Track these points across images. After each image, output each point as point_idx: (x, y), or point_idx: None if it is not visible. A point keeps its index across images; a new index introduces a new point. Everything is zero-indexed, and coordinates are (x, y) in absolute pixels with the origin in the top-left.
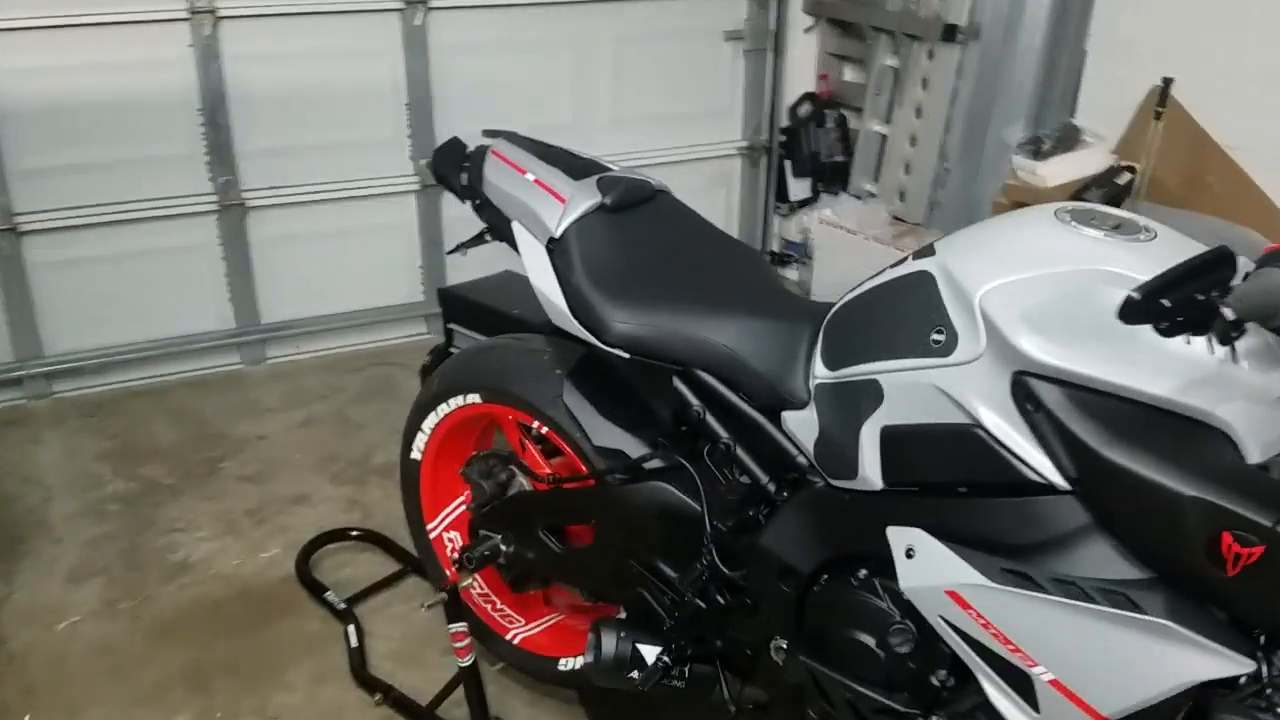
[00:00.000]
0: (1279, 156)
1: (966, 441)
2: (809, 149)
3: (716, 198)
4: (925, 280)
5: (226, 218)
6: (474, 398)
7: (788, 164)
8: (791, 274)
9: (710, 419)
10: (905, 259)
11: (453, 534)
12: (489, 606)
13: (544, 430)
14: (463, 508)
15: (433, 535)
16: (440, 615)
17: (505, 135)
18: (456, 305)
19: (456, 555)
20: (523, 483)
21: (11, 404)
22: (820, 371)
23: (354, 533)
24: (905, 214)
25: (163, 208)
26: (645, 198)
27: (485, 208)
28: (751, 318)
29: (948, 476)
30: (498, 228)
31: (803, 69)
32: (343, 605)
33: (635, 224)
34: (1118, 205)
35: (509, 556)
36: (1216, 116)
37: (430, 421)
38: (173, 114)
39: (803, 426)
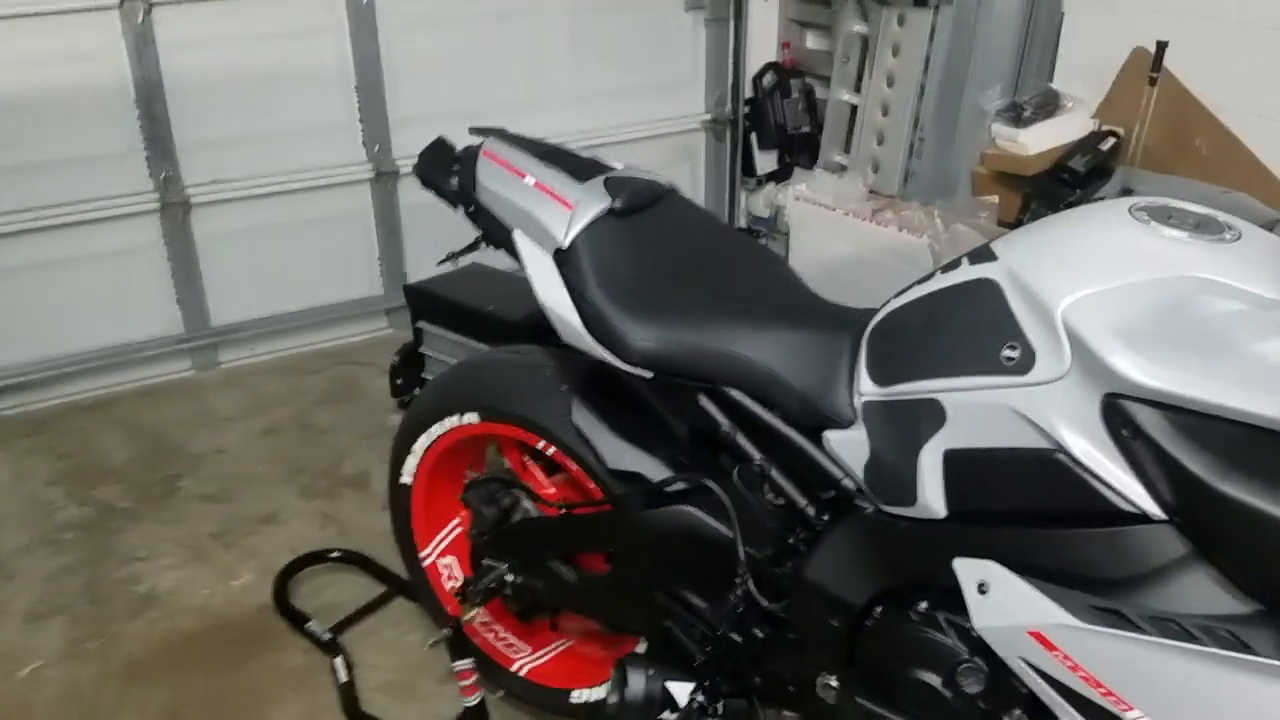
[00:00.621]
0: (1266, 115)
1: (1047, 468)
2: (775, 120)
3: (681, 173)
4: (989, 289)
5: (169, 216)
6: (471, 417)
7: (753, 136)
8: None
9: (742, 438)
10: (957, 262)
11: (448, 560)
12: (491, 635)
13: (550, 451)
14: (458, 531)
15: (426, 563)
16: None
17: (495, 133)
18: (425, 302)
19: (456, 584)
20: (528, 508)
21: None
22: (867, 388)
23: (334, 554)
24: (879, 186)
25: (100, 209)
26: (655, 198)
27: (481, 215)
28: (785, 329)
29: (1024, 505)
30: (495, 236)
31: (765, 38)
32: (328, 636)
33: (647, 228)
34: (1102, 171)
35: (516, 587)
36: (1201, 76)
37: (422, 443)
38: (106, 108)
39: (849, 447)
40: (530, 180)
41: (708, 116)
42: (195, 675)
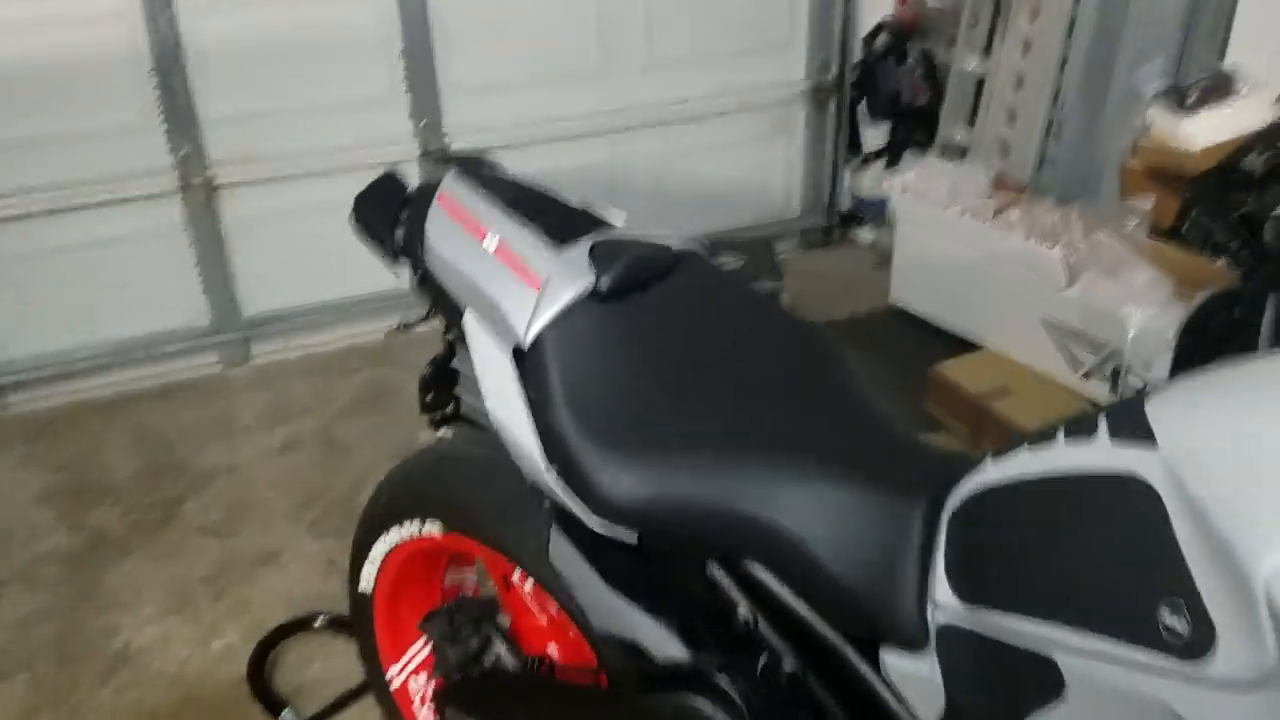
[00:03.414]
0: None
1: None
2: (887, 89)
3: (775, 149)
4: (1143, 498)
5: (191, 197)
6: (433, 527)
7: (861, 107)
8: (866, 235)
9: (766, 629)
10: (1092, 425)
11: (420, 679)
12: None
13: (529, 585)
14: (428, 650)
15: (394, 686)
16: None
17: (466, 166)
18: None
19: (428, 709)
20: (501, 653)
21: None
22: (946, 599)
23: (316, 622)
24: (1008, 172)
25: (114, 190)
26: (661, 270)
27: (428, 282)
28: (831, 484)
29: None
30: (446, 313)
31: None
32: None
33: (648, 314)
34: None
35: None
36: None
37: (380, 549)
38: (120, 77)
39: (916, 682)
40: (490, 243)
41: (808, 84)
42: None
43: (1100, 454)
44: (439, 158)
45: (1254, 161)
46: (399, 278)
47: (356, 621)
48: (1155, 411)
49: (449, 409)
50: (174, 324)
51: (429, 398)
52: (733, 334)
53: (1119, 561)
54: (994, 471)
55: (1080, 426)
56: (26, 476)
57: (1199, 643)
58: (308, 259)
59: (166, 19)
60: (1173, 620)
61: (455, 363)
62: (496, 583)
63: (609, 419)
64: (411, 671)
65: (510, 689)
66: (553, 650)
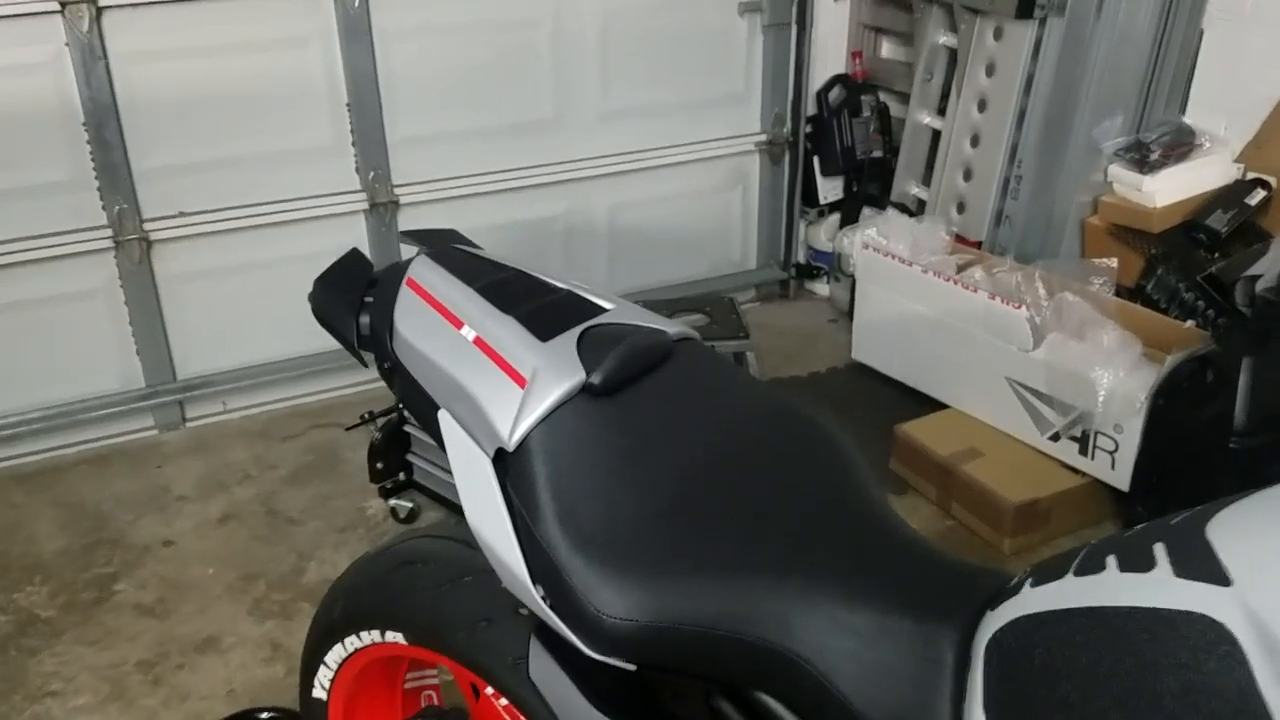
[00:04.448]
0: None
1: None
2: (841, 143)
3: (731, 202)
4: (1213, 639)
5: (125, 254)
6: (395, 637)
7: (816, 160)
8: (822, 288)
9: None
10: (1149, 557)
11: None
12: None
13: (502, 703)
14: None
15: None
16: None
17: (437, 243)
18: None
19: None
20: None
21: None
22: None
23: (263, 716)
24: (964, 229)
25: (43, 248)
26: (657, 361)
27: (398, 376)
28: (851, 607)
29: None
30: (416, 408)
31: (832, 46)
32: None
33: (642, 413)
34: (1250, 233)
35: None
36: None
37: (335, 655)
38: (49, 131)
39: None
40: (469, 333)
41: (763, 137)
42: None
43: (1162, 589)
44: (403, 233)
45: (1218, 220)
46: (365, 366)
47: None
48: (1221, 540)
49: (401, 476)
50: (105, 387)
51: (379, 465)
52: (736, 430)
53: (1190, 710)
54: (1037, 600)
55: (1135, 555)
56: None
57: None
58: (247, 317)
59: (99, 69)
60: None
61: (408, 426)
62: (464, 692)
63: (602, 532)
64: None
65: None
66: None
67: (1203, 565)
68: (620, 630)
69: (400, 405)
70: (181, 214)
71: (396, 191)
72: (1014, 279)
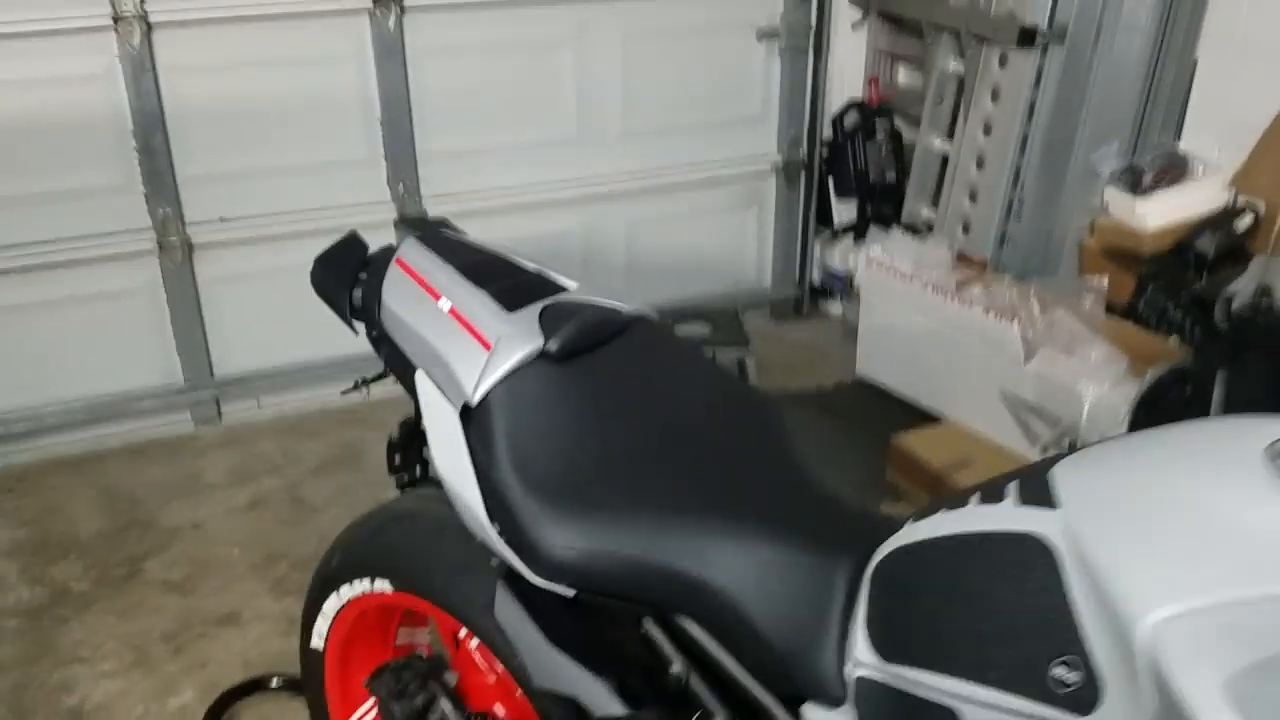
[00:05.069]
0: None
1: None
2: (856, 166)
3: (747, 222)
4: (1041, 558)
5: (168, 257)
6: (383, 584)
7: (830, 182)
8: (834, 308)
9: (699, 684)
10: (1001, 490)
11: None
12: None
13: (475, 643)
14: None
15: None
16: None
17: (426, 230)
18: None
19: None
20: (446, 711)
21: None
22: (865, 657)
23: (274, 682)
24: (969, 248)
25: (92, 248)
26: (611, 334)
27: (383, 342)
28: (760, 543)
29: None
30: (399, 372)
31: (849, 72)
32: None
33: (595, 376)
34: (1236, 255)
35: None
36: None
37: (331, 605)
38: (100, 139)
39: None
40: (445, 304)
41: (779, 159)
42: None
43: (1007, 516)
44: (398, 221)
45: (1206, 243)
46: (356, 334)
47: (307, 678)
48: (1059, 476)
49: (417, 471)
50: (146, 382)
51: (397, 459)
52: (678, 397)
53: (1018, 618)
54: (912, 532)
55: (993, 490)
56: None
57: (1087, 697)
58: (281, 320)
59: (149, 81)
60: (1064, 675)
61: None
62: (446, 641)
63: (551, 477)
64: None
65: None
66: (499, 710)
67: (1040, 496)
68: (560, 558)
69: (386, 369)
70: (222, 219)
71: (425, 203)
72: (1010, 296)
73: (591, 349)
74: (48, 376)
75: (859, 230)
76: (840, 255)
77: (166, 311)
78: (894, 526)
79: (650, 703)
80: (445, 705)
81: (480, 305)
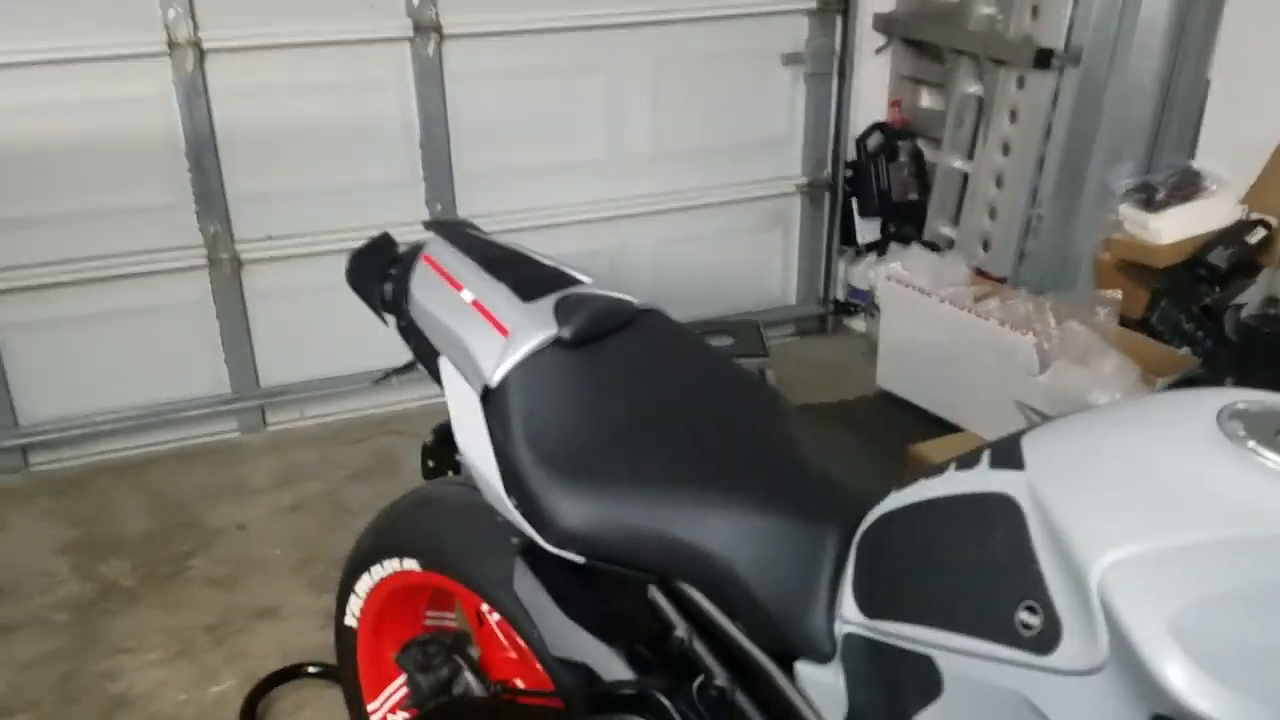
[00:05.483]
0: None
1: None
2: (879, 186)
3: (773, 240)
4: (1008, 513)
5: (218, 272)
6: (412, 564)
7: (854, 202)
8: (858, 324)
9: (699, 647)
10: (976, 457)
11: (399, 717)
12: None
13: (495, 618)
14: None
15: (375, 718)
16: None
17: (451, 230)
18: None
19: None
20: (470, 682)
21: None
22: (851, 614)
23: (311, 669)
24: (989, 266)
25: (145, 263)
26: (621, 323)
27: (411, 332)
28: (754, 513)
29: None
30: (425, 360)
31: (872, 95)
32: None
33: (605, 364)
34: (1248, 269)
35: None
36: None
37: (364, 584)
38: (154, 159)
39: (824, 691)
40: (468, 296)
41: (804, 180)
42: None
43: (980, 478)
44: (426, 222)
45: (1219, 256)
46: (386, 325)
47: (341, 656)
48: (1027, 442)
49: (449, 474)
50: (195, 391)
51: (431, 463)
52: (682, 379)
53: (987, 569)
54: (895, 500)
55: (968, 458)
56: (46, 530)
57: (1047, 638)
58: (324, 333)
59: (201, 104)
60: (1028, 618)
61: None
62: (469, 618)
63: (562, 453)
64: (390, 708)
65: (473, 714)
66: (519, 682)
67: (1010, 459)
68: (569, 527)
69: (413, 359)
70: (269, 237)
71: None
72: (1025, 309)
73: (602, 337)
74: (101, 385)
75: (882, 249)
76: (864, 273)
77: (216, 324)
78: (879, 496)
79: (656, 668)
80: (469, 677)
81: (500, 296)
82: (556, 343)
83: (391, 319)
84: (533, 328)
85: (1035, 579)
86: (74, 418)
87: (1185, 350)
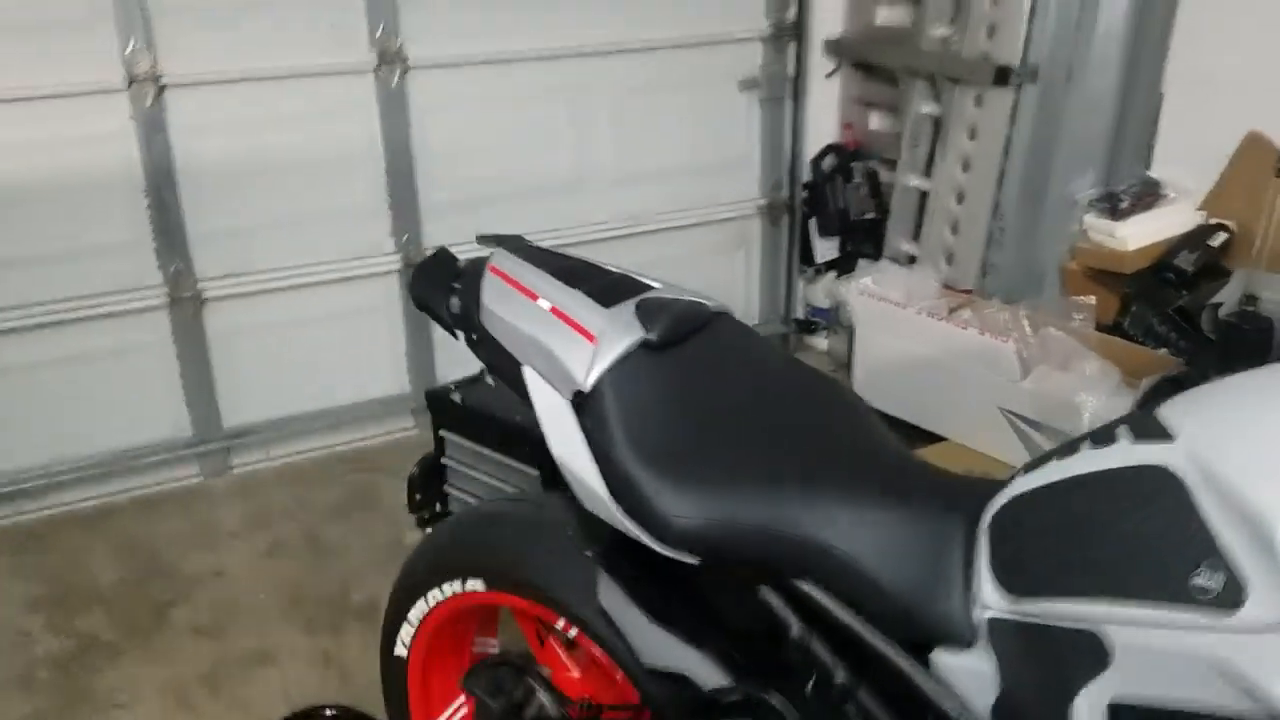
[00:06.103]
0: None
1: None
2: (835, 206)
3: (735, 260)
4: (1167, 485)
5: (179, 311)
6: (476, 584)
7: (812, 222)
8: (820, 342)
9: (818, 646)
10: (1111, 435)
11: None
12: None
13: (573, 633)
14: (463, 713)
15: None
16: None
17: (508, 242)
18: (448, 409)
19: None
20: (545, 703)
21: None
22: (993, 599)
23: (329, 711)
24: (954, 279)
25: (104, 304)
26: (699, 325)
27: (484, 344)
28: (874, 505)
29: None
30: (501, 371)
31: (825, 118)
32: None
33: (692, 364)
34: (1213, 271)
35: None
36: None
37: (418, 611)
38: (112, 197)
39: (969, 677)
40: (545, 304)
41: (763, 201)
42: None
43: (1123, 453)
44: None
45: (1185, 260)
46: (456, 339)
47: (388, 688)
48: (1167, 415)
49: (437, 506)
50: (155, 436)
51: (418, 496)
52: (763, 381)
53: (1151, 537)
54: (1026, 483)
55: (1102, 436)
56: (11, 587)
57: (1231, 597)
58: (289, 369)
59: (160, 140)
60: (1205, 581)
61: (445, 459)
62: (529, 639)
63: (666, 454)
64: None
65: None
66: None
67: (1155, 432)
68: (685, 528)
69: (484, 372)
70: (230, 274)
71: (428, 253)
72: (1001, 318)
73: (685, 339)
74: (59, 434)
75: (841, 267)
76: (824, 291)
77: (176, 365)
78: (996, 485)
79: (757, 672)
80: (543, 696)
81: (578, 303)
82: (643, 346)
83: (462, 335)
84: (620, 331)
85: (1209, 542)
86: (31, 469)
87: (1163, 351)
